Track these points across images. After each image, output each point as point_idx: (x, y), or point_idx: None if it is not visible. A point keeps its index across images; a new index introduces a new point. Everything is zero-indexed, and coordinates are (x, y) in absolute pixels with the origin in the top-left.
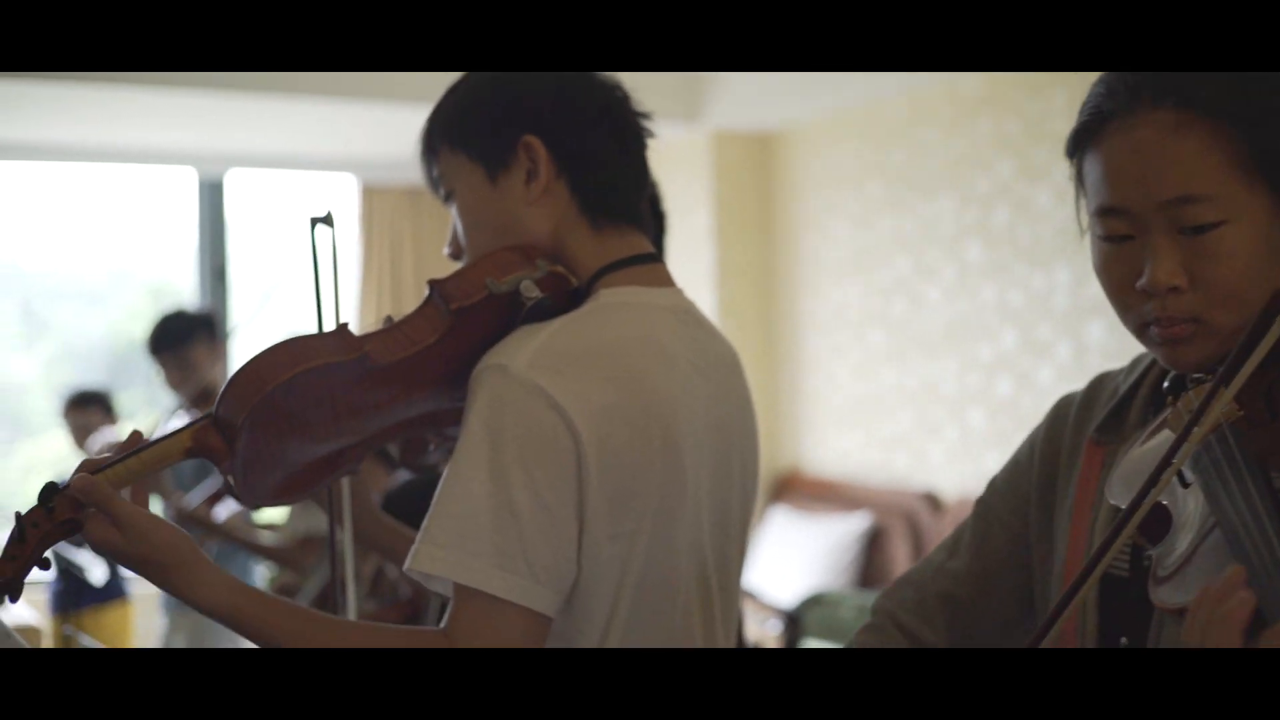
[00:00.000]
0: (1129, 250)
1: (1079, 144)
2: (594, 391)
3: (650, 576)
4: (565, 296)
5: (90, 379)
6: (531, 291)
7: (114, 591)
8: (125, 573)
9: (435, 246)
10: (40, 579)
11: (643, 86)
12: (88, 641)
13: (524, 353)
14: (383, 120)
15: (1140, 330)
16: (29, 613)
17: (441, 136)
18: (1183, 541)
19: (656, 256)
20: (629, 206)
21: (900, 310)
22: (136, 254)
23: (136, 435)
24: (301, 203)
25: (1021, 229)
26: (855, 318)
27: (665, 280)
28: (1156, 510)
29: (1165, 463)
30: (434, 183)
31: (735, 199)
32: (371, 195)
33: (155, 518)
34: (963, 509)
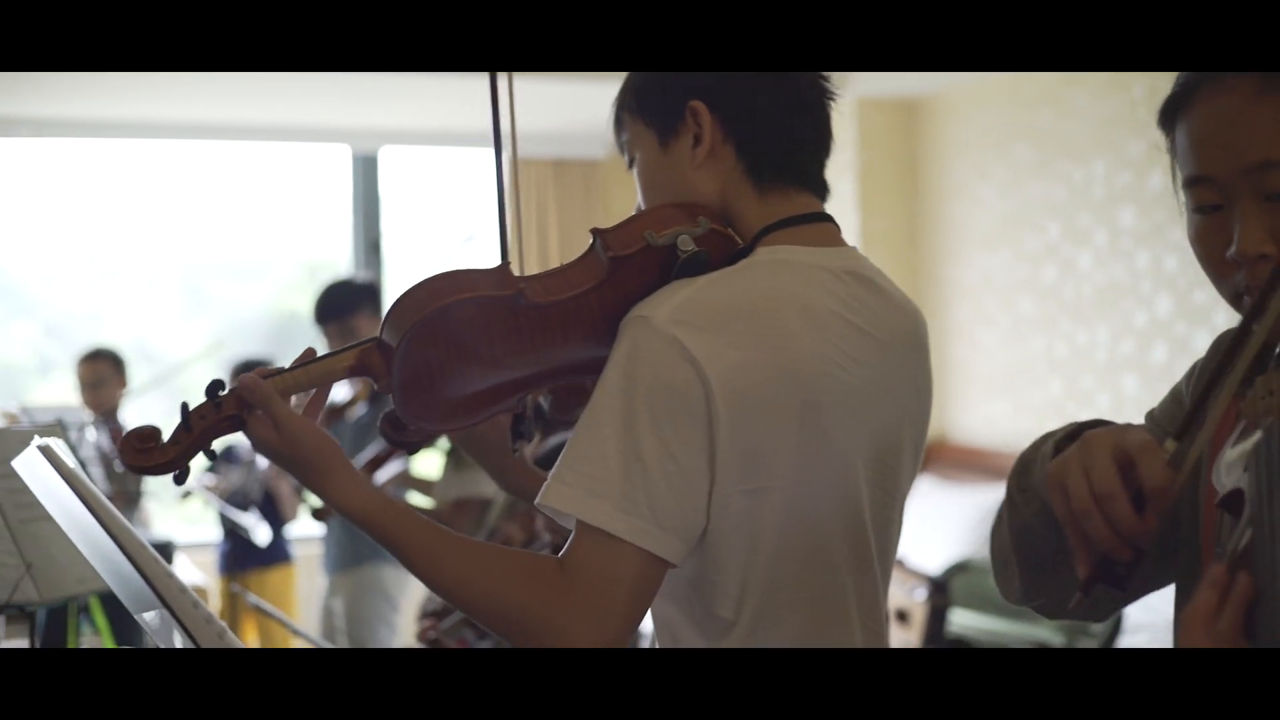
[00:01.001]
0: (1218, 220)
1: (1170, 115)
2: (731, 347)
3: (790, 533)
4: (724, 254)
5: (250, 351)
6: (688, 245)
7: (279, 554)
8: (290, 536)
9: (579, 216)
10: (208, 541)
11: None
12: (254, 599)
13: (668, 305)
14: (529, 95)
15: (1235, 301)
16: (197, 574)
17: (624, 104)
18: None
19: (824, 216)
20: (798, 168)
21: (1050, 277)
22: (293, 230)
23: (309, 351)
24: (452, 177)
25: (1177, 192)
26: (1003, 284)
27: (832, 240)
28: (1236, 492)
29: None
30: (621, 148)
31: (878, 166)
32: (519, 167)
33: (310, 423)
34: None
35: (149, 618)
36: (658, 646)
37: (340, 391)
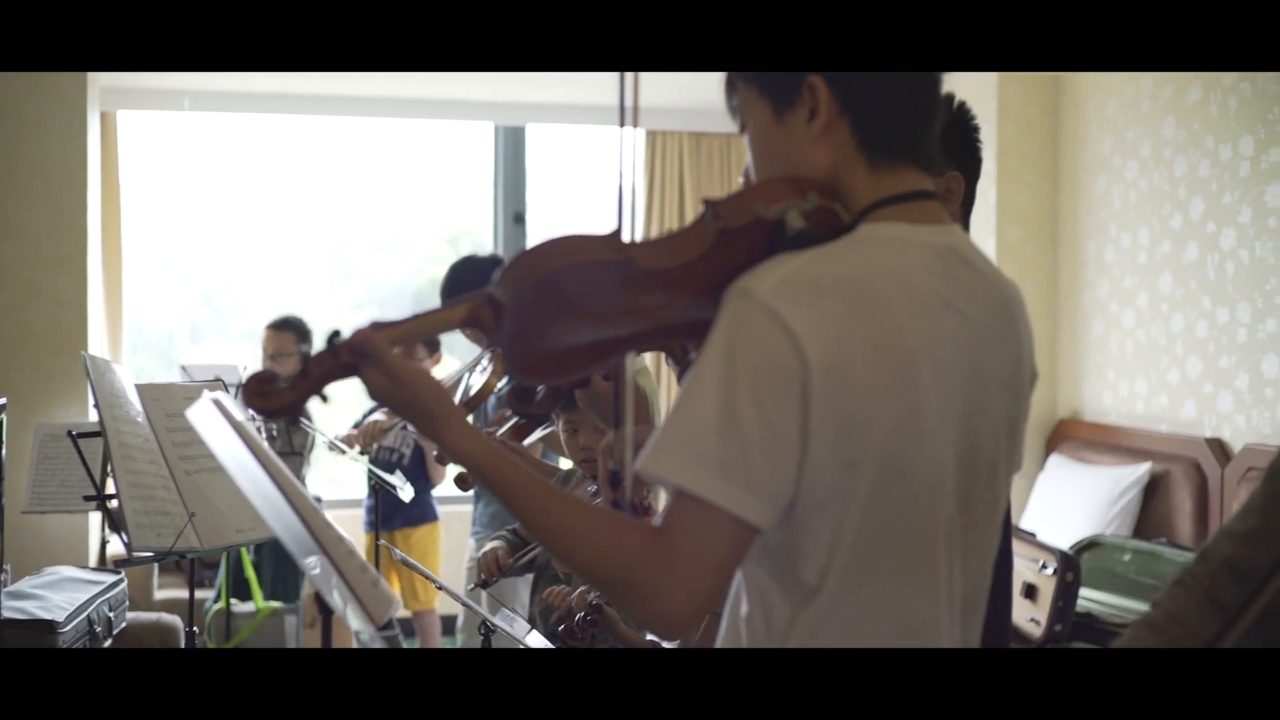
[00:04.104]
0: None
1: None
2: (830, 320)
3: (880, 505)
4: (830, 230)
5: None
6: (796, 221)
7: (424, 514)
8: (434, 495)
9: (714, 188)
10: (354, 498)
11: None
12: (399, 554)
13: (771, 278)
14: (670, 72)
15: None
16: (340, 531)
17: (738, 71)
18: None
19: (930, 194)
20: (909, 145)
21: (1192, 254)
22: (436, 204)
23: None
24: (596, 153)
25: None
26: (1144, 262)
27: (934, 217)
28: None
29: None
30: (732, 112)
31: (1019, 140)
32: (656, 140)
33: (422, 370)
34: (1251, 457)
35: (310, 563)
36: (746, 608)
37: (478, 378)
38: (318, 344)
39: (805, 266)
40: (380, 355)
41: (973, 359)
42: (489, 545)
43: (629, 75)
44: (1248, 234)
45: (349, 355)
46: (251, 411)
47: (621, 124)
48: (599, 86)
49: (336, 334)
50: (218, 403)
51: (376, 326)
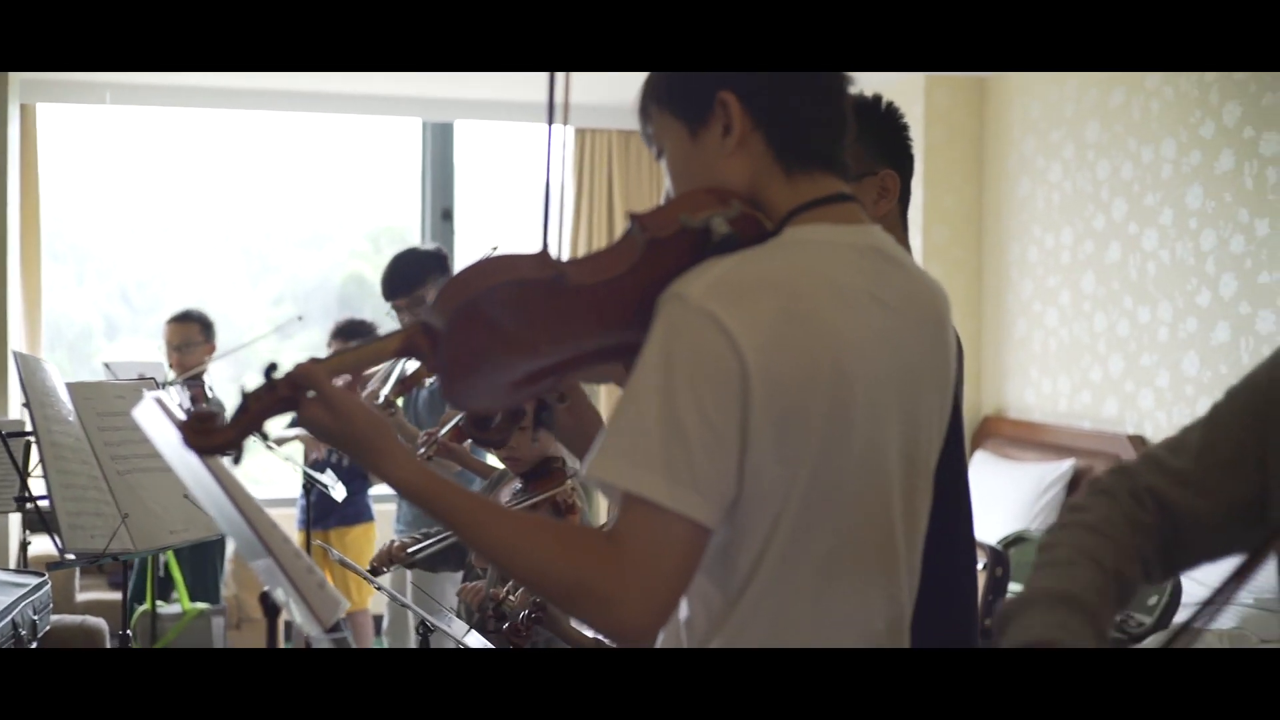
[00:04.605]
0: None
1: None
2: (763, 320)
3: (815, 501)
4: (755, 236)
5: (313, 317)
6: (721, 227)
7: (360, 513)
8: (371, 495)
9: (643, 186)
10: (287, 497)
11: None
12: (337, 554)
13: (702, 281)
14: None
15: None
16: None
17: (652, 97)
18: None
19: (848, 197)
20: (824, 153)
21: (1115, 255)
22: (360, 199)
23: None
24: (522, 149)
25: (1245, 175)
26: (1067, 262)
27: (854, 218)
28: None
29: None
30: (648, 139)
31: (945, 143)
32: (585, 137)
33: (361, 403)
34: None
35: (259, 565)
36: (686, 612)
37: (414, 364)
38: (222, 336)
39: (736, 269)
40: (319, 387)
41: (903, 352)
42: (393, 540)
43: (559, 75)
44: (1169, 235)
45: (287, 389)
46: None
47: (550, 122)
48: (528, 84)
49: (273, 367)
50: (160, 402)
51: (313, 361)
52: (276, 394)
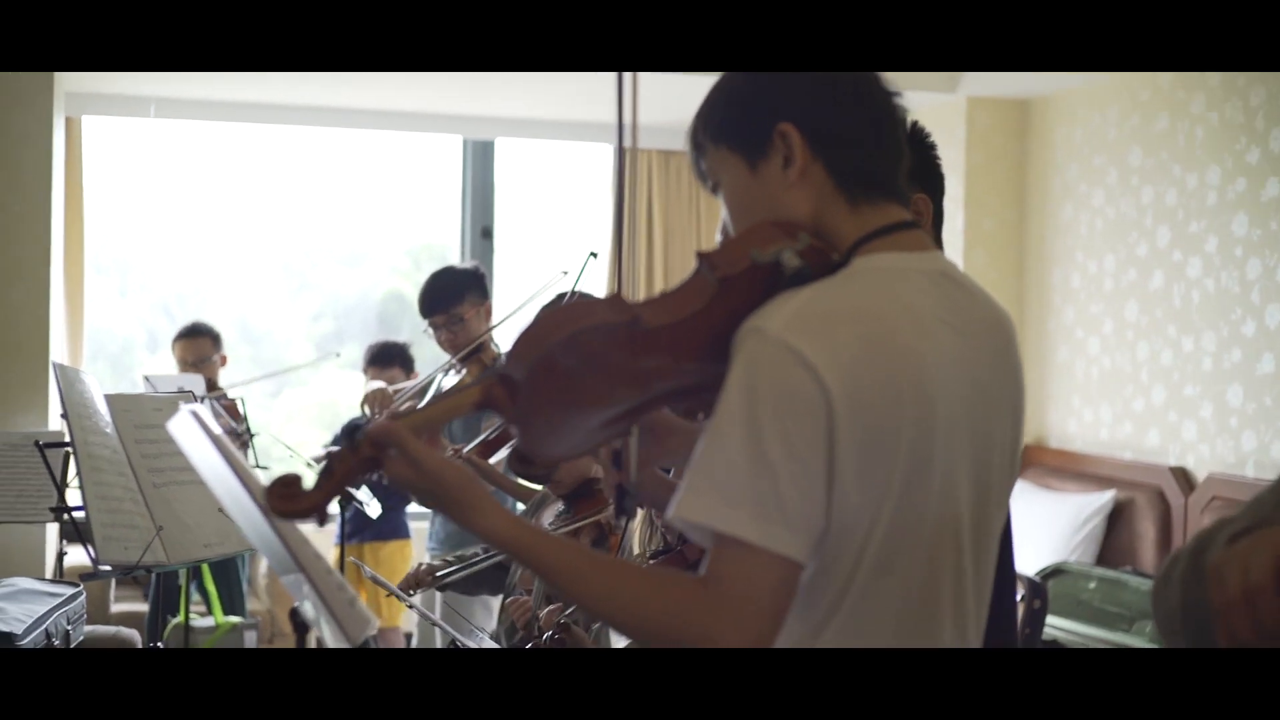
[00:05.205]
0: None
1: None
2: (843, 349)
3: (899, 529)
4: (824, 267)
5: (351, 334)
6: (792, 261)
7: (395, 529)
8: (408, 512)
9: (683, 206)
10: (330, 511)
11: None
12: (370, 572)
13: (779, 316)
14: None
15: None
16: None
17: (705, 132)
18: None
19: (912, 224)
20: (884, 181)
21: (1158, 282)
22: (400, 216)
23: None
24: (564, 168)
25: None
26: (1110, 289)
27: (921, 245)
28: None
29: None
30: (702, 176)
31: (986, 166)
32: (626, 157)
33: (445, 459)
34: (1214, 486)
35: (289, 580)
36: None
37: (451, 379)
38: (240, 348)
39: (812, 300)
40: (403, 445)
41: (976, 376)
42: (427, 561)
43: (628, 92)
44: (1214, 263)
45: (370, 449)
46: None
47: (619, 148)
48: (568, 101)
49: (356, 428)
50: (196, 415)
51: (394, 416)
52: (360, 454)
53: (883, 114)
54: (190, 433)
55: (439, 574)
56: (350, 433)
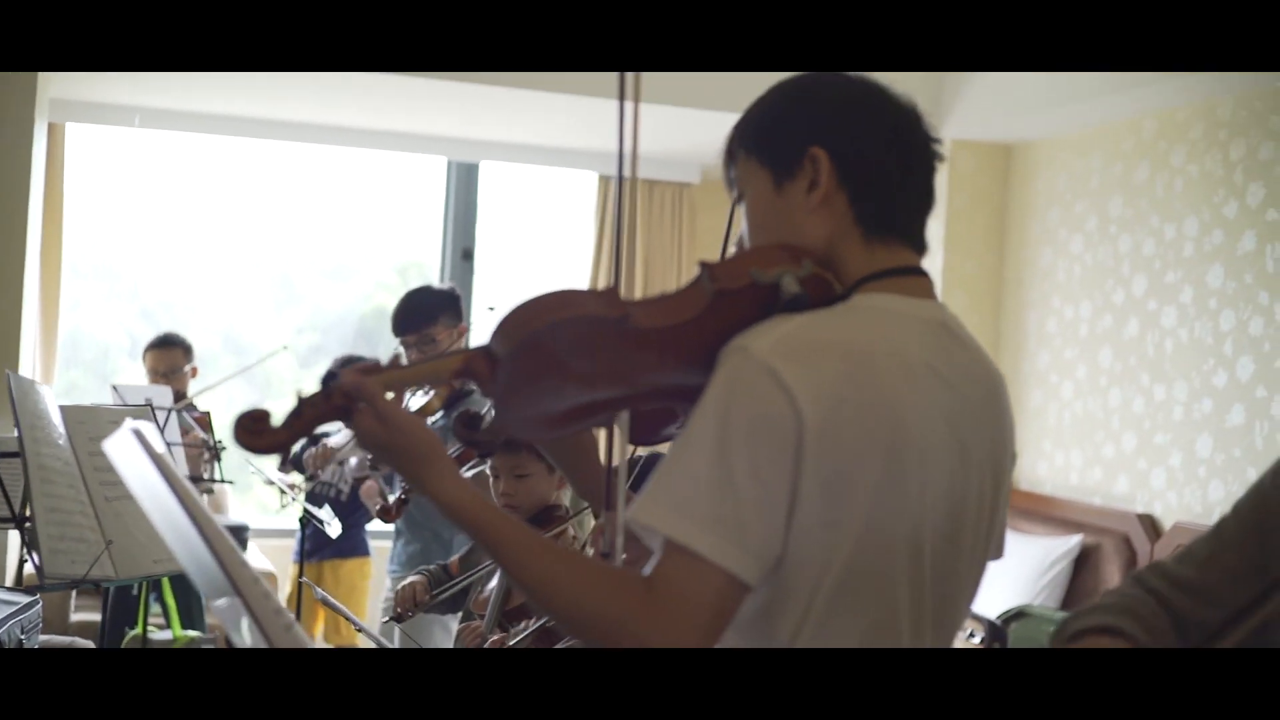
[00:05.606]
0: None
1: None
2: (825, 381)
3: (858, 568)
4: (823, 298)
5: (336, 347)
6: (791, 286)
7: (356, 547)
8: (368, 529)
9: (665, 236)
10: (281, 528)
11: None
12: (321, 593)
13: (768, 338)
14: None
15: None
16: (266, 561)
17: (740, 141)
18: None
19: (920, 271)
20: (904, 223)
21: (1133, 331)
22: (386, 234)
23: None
24: (546, 193)
25: (1268, 257)
26: (1085, 335)
27: (925, 293)
28: None
29: None
30: (730, 183)
31: (969, 209)
32: (607, 185)
33: (413, 417)
34: (1181, 535)
35: (221, 604)
36: None
37: (417, 399)
38: (226, 359)
39: (802, 328)
40: (373, 399)
41: (958, 430)
42: (409, 579)
43: (629, 119)
44: (1188, 313)
45: (342, 398)
46: (244, 451)
47: (619, 176)
48: (554, 127)
49: (332, 375)
50: (138, 433)
51: (368, 370)
52: (331, 402)
53: (916, 157)
54: (129, 451)
55: (434, 592)
56: (325, 380)
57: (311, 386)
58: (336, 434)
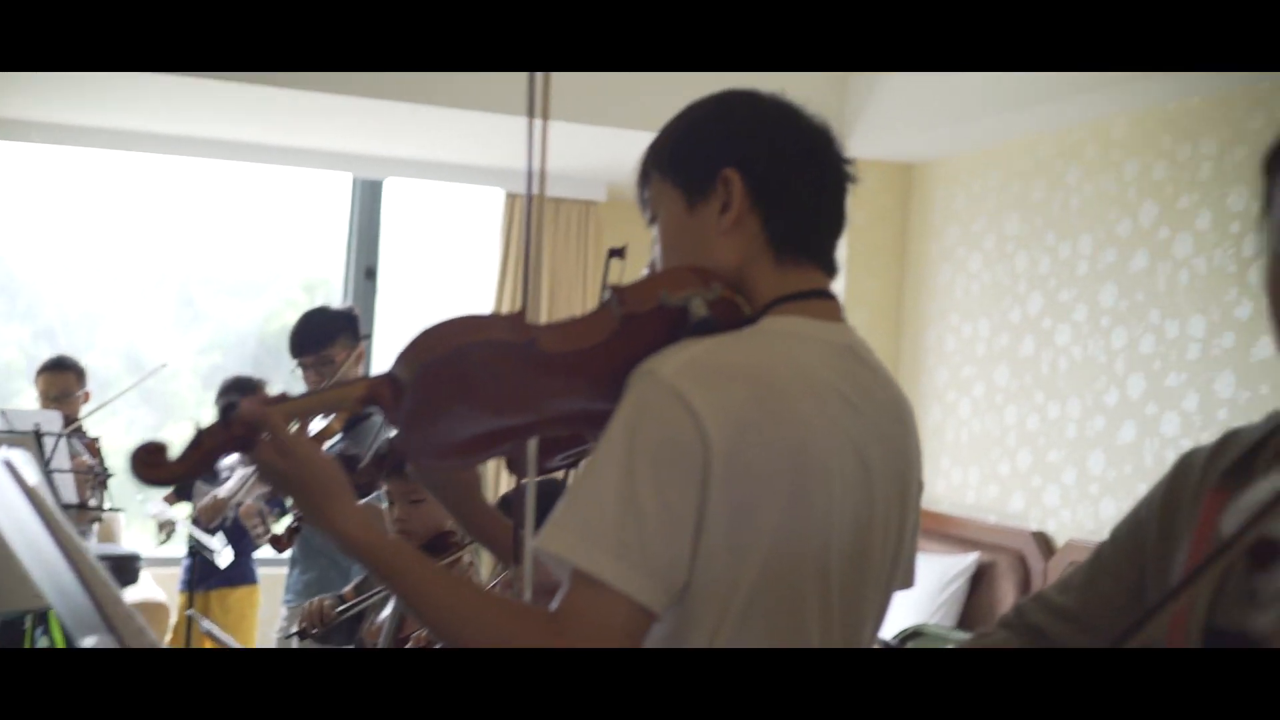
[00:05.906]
0: None
1: (1275, 160)
2: (732, 405)
3: (765, 591)
4: (732, 320)
5: (239, 367)
6: (700, 309)
7: (244, 575)
8: (255, 557)
9: (570, 253)
10: (174, 556)
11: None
12: (206, 625)
13: (675, 361)
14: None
15: None
16: (156, 589)
17: (653, 162)
18: None
19: (829, 294)
20: (816, 245)
21: (1029, 349)
22: (290, 251)
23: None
24: (451, 210)
25: (1159, 275)
26: (983, 353)
27: (833, 315)
28: (1268, 542)
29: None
30: (643, 204)
31: (870, 226)
32: (514, 202)
33: (316, 448)
34: (1073, 552)
35: (90, 642)
36: None
37: (317, 423)
38: (128, 378)
39: (710, 352)
40: (275, 429)
41: (863, 455)
42: (317, 599)
43: (537, 136)
44: (1082, 331)
45: (242, 428)
46: (141, 481)
47: (529, 194)
48: (459, 143)
49: (232, 406)
50: (8, 464)
51: (269, 401)
52: (230, 432)
53: (830, 178)
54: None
55: (339, 610)
56: (225, 410)
57: (210, 414)
58: (226, 480)
